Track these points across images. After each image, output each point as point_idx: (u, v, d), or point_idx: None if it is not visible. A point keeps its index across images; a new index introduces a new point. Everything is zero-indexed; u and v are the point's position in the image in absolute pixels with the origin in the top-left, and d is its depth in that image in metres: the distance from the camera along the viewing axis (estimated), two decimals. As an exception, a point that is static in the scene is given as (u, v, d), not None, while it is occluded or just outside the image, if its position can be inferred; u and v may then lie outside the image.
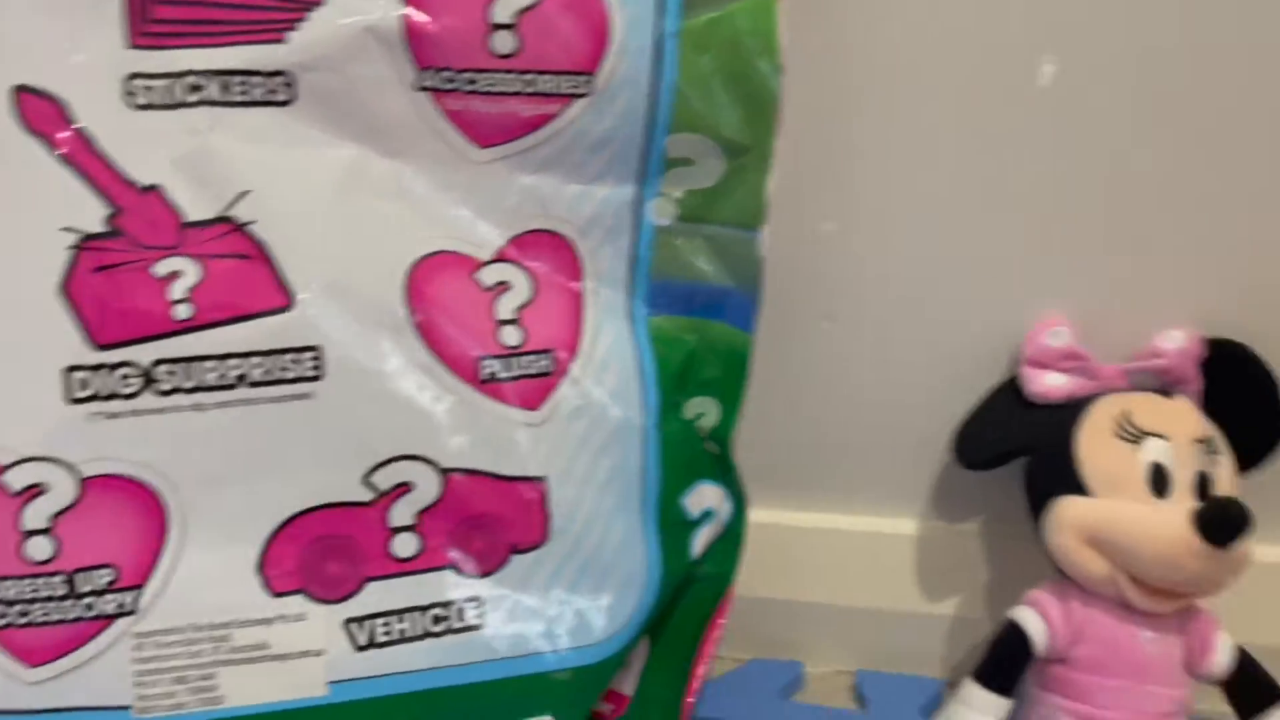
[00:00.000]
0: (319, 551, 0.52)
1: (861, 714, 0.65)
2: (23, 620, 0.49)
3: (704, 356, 0.60)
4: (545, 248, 0.56)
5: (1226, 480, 0.55)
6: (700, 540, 0.60)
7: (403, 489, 0.53)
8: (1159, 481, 0.53)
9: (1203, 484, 0.54)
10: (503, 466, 0.54)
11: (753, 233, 0.58)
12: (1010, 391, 0.60)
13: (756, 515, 0.64)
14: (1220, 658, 0.54)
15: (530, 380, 0.55)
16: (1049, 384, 0.58)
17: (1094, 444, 0.55)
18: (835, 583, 0.70)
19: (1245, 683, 0.55)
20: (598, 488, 0.56)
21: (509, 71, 0.52)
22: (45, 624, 0.49)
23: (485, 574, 0.55)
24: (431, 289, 0.53)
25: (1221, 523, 0.50)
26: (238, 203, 0.50)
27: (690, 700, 0.62)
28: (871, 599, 0.69)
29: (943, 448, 0.63)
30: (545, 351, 0.56)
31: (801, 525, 0.70)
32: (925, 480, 0.67)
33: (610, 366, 0.57)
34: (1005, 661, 0.55)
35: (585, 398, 0.56)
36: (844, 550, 0.69)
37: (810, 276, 0.64)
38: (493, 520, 0.54)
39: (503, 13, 0.51)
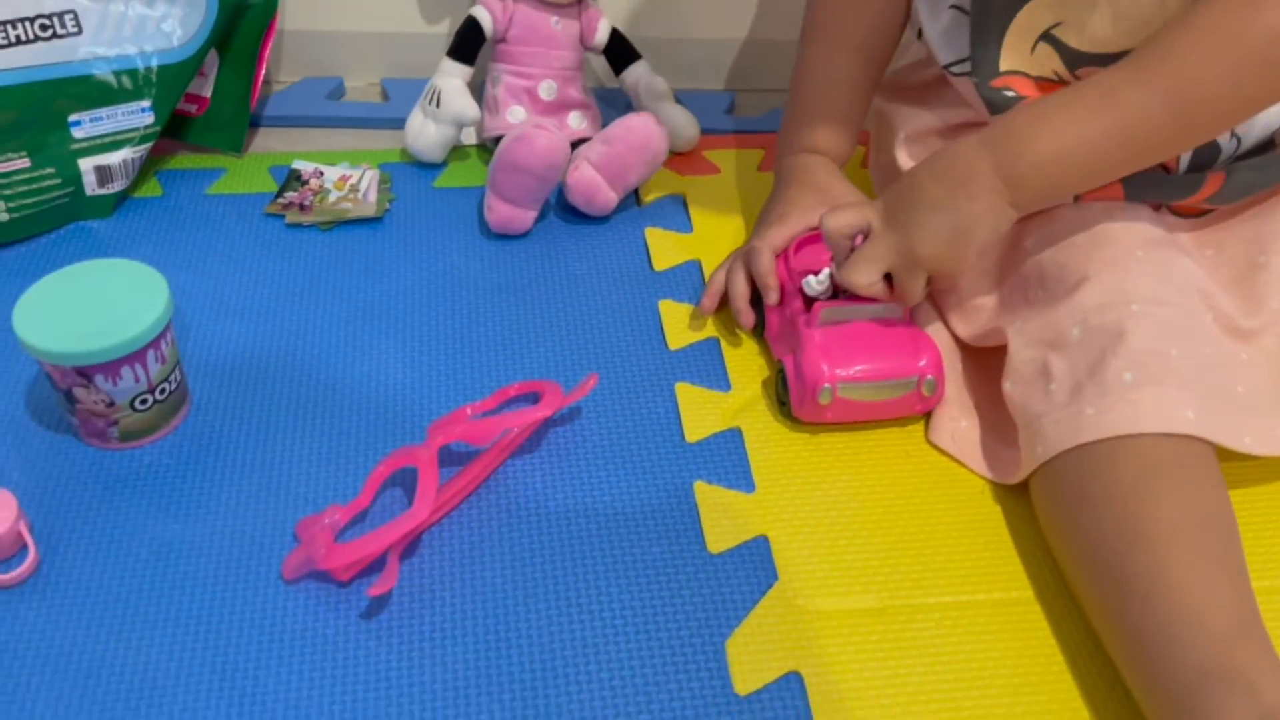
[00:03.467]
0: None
1: (385, 104, 0.93)
2: None
3: None
4: None
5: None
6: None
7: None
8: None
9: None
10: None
11: None
12: None
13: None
14: (602, 35, 0.85)
15: None
16: None
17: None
18: (364, 14, 0.93)
19: (614, 48, 0.86)
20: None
21: None
22: None
23: (76, -10, 0.72)
24: None
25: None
26: None
27: (255, 98, 0.86)
28: (392, 25, 0.93)
29: None
30: None
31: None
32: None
33: None
34: (467, 42, 0.83)
35: None
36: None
37: None
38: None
39: None
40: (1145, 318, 0.59)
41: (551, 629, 0.54)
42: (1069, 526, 0.57)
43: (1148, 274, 0.61)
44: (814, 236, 0.68)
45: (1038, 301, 0.64)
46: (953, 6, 0.72)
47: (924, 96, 0.77)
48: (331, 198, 0.79)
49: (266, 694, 0.51)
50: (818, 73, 0.77)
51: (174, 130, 0.82)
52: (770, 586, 0.57)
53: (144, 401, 0.60)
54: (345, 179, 0.81)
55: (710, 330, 0.72)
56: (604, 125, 0.83)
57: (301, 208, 0.79)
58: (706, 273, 0.76)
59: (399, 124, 0.87)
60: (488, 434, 0.61)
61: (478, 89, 0.85)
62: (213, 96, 0.84)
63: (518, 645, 0.53)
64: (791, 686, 0.52)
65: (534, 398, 0.65)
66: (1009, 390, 0.62)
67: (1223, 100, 0.59)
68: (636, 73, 0.87)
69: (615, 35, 0.86)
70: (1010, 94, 0.68)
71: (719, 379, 0.69)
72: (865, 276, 0.62)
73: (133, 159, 0.77)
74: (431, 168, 0.85)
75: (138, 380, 0.59)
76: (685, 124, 0.86)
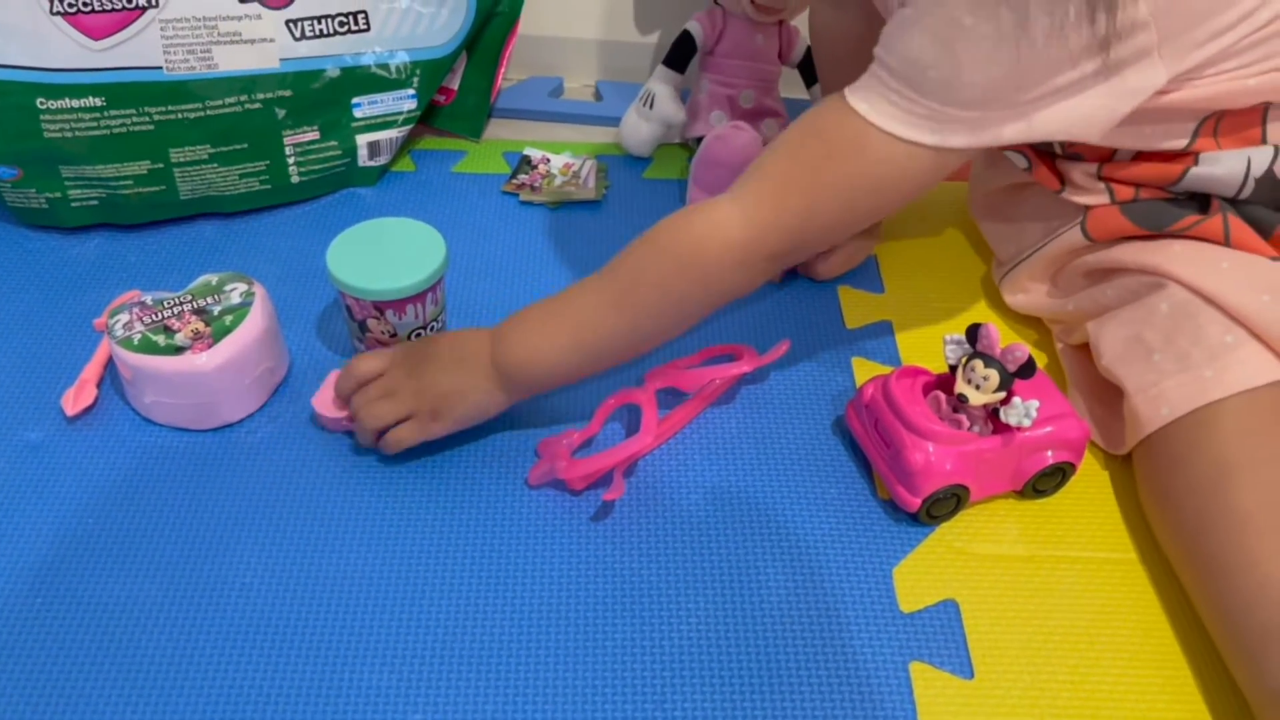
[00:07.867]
0: None
1: (599, 103, 1.05)
2: (85, 8, 0.77)
3: None
4: None
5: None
6: (499, -12, 0.93)
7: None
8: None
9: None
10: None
11: None
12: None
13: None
14: (798, 51, 0.96)
15: None
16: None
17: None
18: (585, 23, 1.06)
19: (808, 63, 0.97)
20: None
21: None
22: (100, 11, 0.77)
23: (369, -5, 0.87)
24: None
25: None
26: None
27: (495, 93, 1.00)
28: (608, 34, 1.06)
29: None
30: None
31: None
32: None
33: None
34: (681, 53, 0.95)
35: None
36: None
37: None
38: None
39: None
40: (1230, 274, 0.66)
41: (745, 543, 0.65)
42: (1163, 498, 0.65)
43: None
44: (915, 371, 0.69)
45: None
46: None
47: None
48: (557, 181, 0.92)
49: (515, 569, 0.63)
50: None
51: (423, 116, 0.96)
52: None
53: (418, 335, 0.74)
54: (568, 166, 0.94)
55: (883, 314, 0.82)
56: (793, 131, 0.93)
57: (532, 188, 0.92)
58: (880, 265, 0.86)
59: (611, 121, 1.00)
60: (695, 383, 0.72)
61: (683, 94, 0.97)
62: (459, 89, 0.98)
63: (717, 551, 0.65)
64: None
65: (731, 357, 0.76)
66: (1107, 366, 0.69)
67: (656, 303, 0.64)
68: (826, 86, 0.97)
69: (809, 52, 0.97)
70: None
71: (891, 356, 0.79)
72: (382, 410, 0.67)
73: (397, 138, 0.92)
74: (641, 161, 0.97)
75: (417, 317, 0.72)
76: (867, 134, 0.96)
